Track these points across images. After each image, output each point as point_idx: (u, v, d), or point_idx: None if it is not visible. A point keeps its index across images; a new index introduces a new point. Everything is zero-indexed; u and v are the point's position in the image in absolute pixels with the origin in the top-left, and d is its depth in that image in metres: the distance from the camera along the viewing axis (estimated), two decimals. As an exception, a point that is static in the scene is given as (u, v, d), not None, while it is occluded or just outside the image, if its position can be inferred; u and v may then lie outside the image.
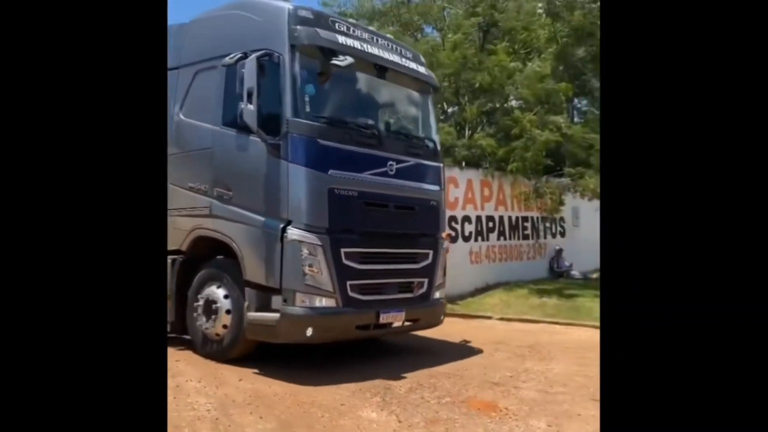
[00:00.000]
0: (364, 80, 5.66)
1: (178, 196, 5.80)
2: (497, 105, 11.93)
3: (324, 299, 4.94)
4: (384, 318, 5.28)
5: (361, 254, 5.19)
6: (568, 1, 12.10)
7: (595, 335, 7.31)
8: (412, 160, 5.78)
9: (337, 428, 3.77)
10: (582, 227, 13.88)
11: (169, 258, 5.77)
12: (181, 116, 5.90)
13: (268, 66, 5.03)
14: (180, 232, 5.76)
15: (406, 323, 5.61)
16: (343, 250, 5.04)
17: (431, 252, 5.88)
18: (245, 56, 5.12)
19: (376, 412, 4.09)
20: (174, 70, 6.00)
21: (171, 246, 5.83)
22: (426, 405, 4.26)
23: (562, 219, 13.54)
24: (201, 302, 5.45)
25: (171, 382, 4.33)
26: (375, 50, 5.59)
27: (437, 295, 6.00)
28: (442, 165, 6.33)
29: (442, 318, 6.13)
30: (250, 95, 4.94)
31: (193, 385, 4.54)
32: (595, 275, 12.74)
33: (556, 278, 12.58)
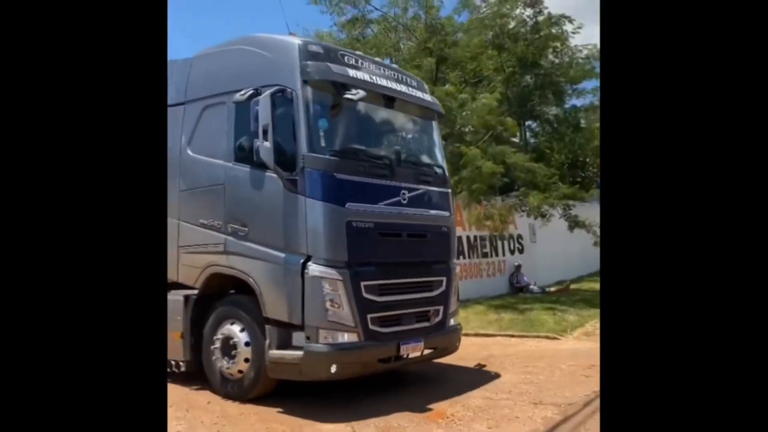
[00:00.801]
0: (373, 111, 5.70)
1: (188, 232, 5.76)
2: (450, 131, 12.50)
3: (347, 334, 4.92)
4: (404, 349, 5.28)
5: (379, 286, 5.18)
6: (512, 33, 13.30)
7: (544, 346, 8.10)
8: (423, 188, 5.82)
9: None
10: (539, 243, 14.63)
11: (182, 296, 5.71)
12: (189, 152, 5.86)
13: (281, 102, 5.04)
14: (193, 269, 5.71)
15: (425, 352, 5.60)
16: (362, 284, 5.04)
17: (445, 279, 5.90)
18: (257, 92, 5.12)
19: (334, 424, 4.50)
20: (179, 105, 5.99)
21: (183, 282, 5.79)
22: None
23: (519, 236, 14.55)
24: (218, 341, 5.39)
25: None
26: (383, 81, 5.64)
27: (452, 321, 6.01)
28: (450, 191, 6.38)
29: (458, 344, 6.14)
30: (265, 132, 4.94)
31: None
32: (554, 288, 13.68)
33: (516, 293, 13.26)
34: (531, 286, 13.55)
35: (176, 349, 5.70)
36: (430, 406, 4.97)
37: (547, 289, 13.46)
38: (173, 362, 5.75)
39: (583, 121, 16.17)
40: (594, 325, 9.10)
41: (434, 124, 6.45)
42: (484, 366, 6.66)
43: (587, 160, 17.21)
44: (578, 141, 15.93)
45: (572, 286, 14.01)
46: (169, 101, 6.16)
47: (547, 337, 8.68)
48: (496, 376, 6.17)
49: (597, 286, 13.63)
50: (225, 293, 5.65)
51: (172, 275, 5.89)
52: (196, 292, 5.69)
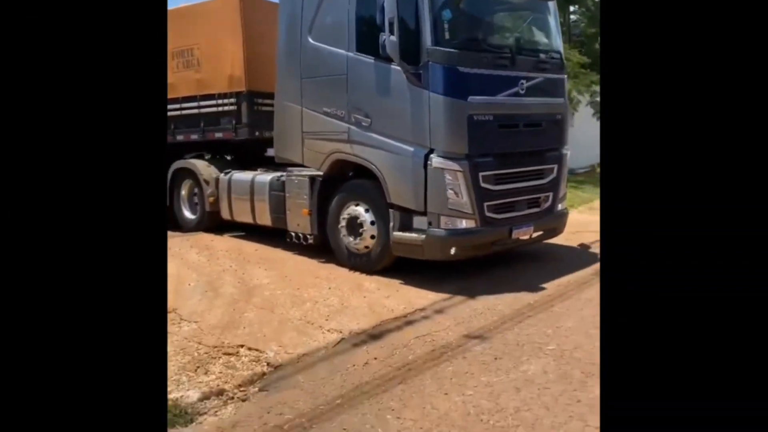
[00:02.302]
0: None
1: (312, 119, 6.13)
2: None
3: (464, 221, 5.32)
4: (516, 234, 5.65)
5: (496, 176, 5.46)
6: None
7: (588, 217, 8.44)
8: (541, 76, 5.79)
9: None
10: (576, 127, 14.48)
11: (308, 176, 6.25)
12: (310, 39, 6.03)
13: (405, -7, 5.03)
14: (317, 154, 6.16)
15: (535, 235, 5.96)
16: (480, 174, 5.32)
17: (556, 166, 6.07)
18: None
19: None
20: (298, -10, 6.06)
21: (308, 165, 6.29)
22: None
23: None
24: (344, 220, 5.95)
25: (206, 252, 6.61)
26: None
27: (560, 206, 6.27)
28: (566, 76, 6.29)
29: (564, 227, 6.45)
30: (391, 25, 5.01)
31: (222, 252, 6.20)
32: (582, 170, 14.58)
33: None
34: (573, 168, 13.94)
35: (304, 225, 6.37)
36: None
37: (577, 171, 13.84)
38: (301, 235, 6.46)
39: None
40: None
41: (551, 5, 6.20)
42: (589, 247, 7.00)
43: None
44: None
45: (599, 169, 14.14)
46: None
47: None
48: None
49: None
50: (348, 176, 6.11)
51: (296, 158, 6.42)
52: (321, 173, 6.19)
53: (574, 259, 6.44)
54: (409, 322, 4.63)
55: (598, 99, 12.68)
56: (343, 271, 5.98)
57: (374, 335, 4.37)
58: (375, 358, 3.96)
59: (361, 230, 5.81)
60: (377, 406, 3.31)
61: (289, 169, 6.53)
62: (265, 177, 6.96)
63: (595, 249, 6.80)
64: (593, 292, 5.08)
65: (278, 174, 6.74)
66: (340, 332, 4.38)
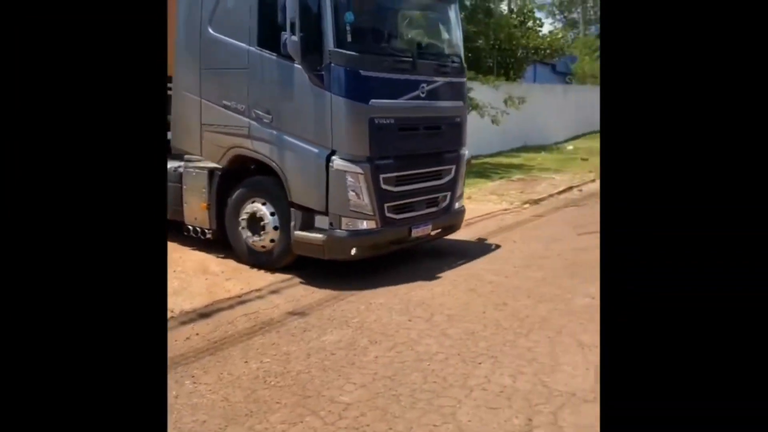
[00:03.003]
0: (398, 3, 5.62)
1: (211, 112, 5.94)
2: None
3: (365, 222, 5.42)
4: (415, 233, 5.84)
5: (396, 178, 5.59)
6: None
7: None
8: (441, 80, 5.96)
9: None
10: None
11: (207, 169, 6.07)
12: (210, 30, 5.82)
13: (308, -7, 4.96)
14: (217, 148, 5.99)
15: (433, 233, 6.19)
16: (381, 176, 5.43)
17: (454, 167, 6.30)
18: None
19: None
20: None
21: (207, 158, 6.11)
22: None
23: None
24: (245, 216, 5.86)
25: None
26: None
27: (457, 205, 6.54)
28: (465, 79, 6.51)
29: (461, 224, 6.74)
30: (293, 25, 4.95)
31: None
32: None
33: None
34: None
35: (203, 218, 6.21)
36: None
37: None
38: (199, 229, 6.30)
39: (492, 6, 16.46)
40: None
41: (453, 8, 6.36)
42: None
43: (503, 45, 17.60)
44: (492, 25, 16.29)
45: (488, 161, 14.50)
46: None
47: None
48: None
49: (503, 160, 14.82)
50: (249, 171, 6.00)
51: (195, 150, 6.21)
52: (219, 166, 6.03)
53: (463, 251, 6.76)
54: (243, 302, 5.00)
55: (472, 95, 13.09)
56: (195, 255, 6.17)
57: (204, 314, 4.72)
58: (197, 334, 4.29)
59: (262, 227, 5.76)
60: (181, 373, 3.66)
61: (187, 159, 6.31)
62: None
63: (491, 241, 7.21)
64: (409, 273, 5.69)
65: (176, 164, 6.49)
66: (171, 311, 4.58)
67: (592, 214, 8.27)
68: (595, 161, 13.99)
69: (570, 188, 11.35)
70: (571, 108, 20.65)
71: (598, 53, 31.30)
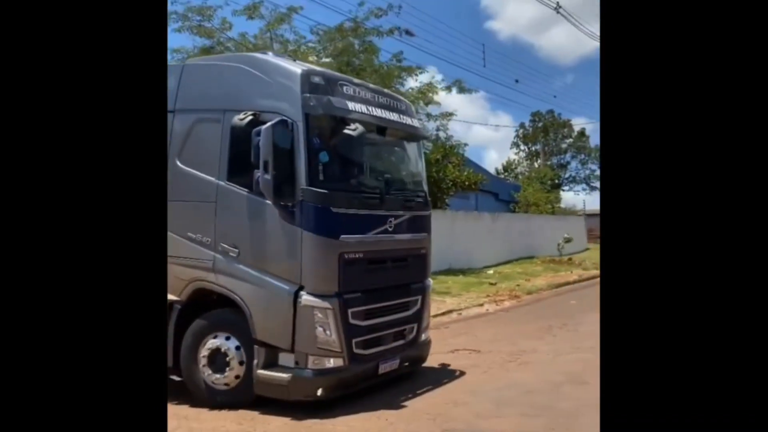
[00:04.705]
0: (367, 140, 5.85)
1: (174, 243, 5.77)
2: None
3: (333, 359, 5.24)
4: (382, 369, 5.68)
5: (365, 312, 5.51)
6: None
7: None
8: (408, 213, 6.09)
9: None
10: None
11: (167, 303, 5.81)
12: (178, 163, 5.84)
13: (282, 133, 5.10)
14: (177, 280, 5.77)
15: (399, 366, 6.02)
16: (350, 311, 5.34)
17: (420, 297, 6.29)
18: (256, 118, 5.17)
19: None
20: (168, 112, 5.90)
21: (168, 292, 5.87)
22: None
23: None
24: (206, 353, 5.55)
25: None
26: (378, 111, 5.77)
27: (423, 336, 6.45)
28: (430, 212, 6.68)
29: (427, 356, 6.60)
30: (266, 164, 5.02)
31: None
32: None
33: None
34: None
35: (157, 354, 5.85)
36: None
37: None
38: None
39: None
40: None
41: (418, 146, 6.67)
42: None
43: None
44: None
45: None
46: (157, 107, 6.08)
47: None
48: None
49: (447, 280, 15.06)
50: (209, 306, 5.77)
51: (154, 281, 5.97)
52: (178, 300, 5.79)
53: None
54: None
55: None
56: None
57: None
58: None
59: (226, 363, 5.45)
60: None
61: None
62: None
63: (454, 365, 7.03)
64: None
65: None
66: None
67: (451, 335, 8.91)
68: (502, 285, 14.93)
69: (449, 311, 11.43)
70: (502, 234, 21.75)
71: (539, 183, 33.35)
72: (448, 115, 18.21)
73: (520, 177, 24.47)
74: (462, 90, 18.43)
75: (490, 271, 18.46)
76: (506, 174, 42.78)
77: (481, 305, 12.06)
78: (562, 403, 5.55)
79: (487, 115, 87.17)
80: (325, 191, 5.21)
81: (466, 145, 21.38)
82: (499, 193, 30.58)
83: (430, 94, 16.76)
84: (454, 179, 20.40)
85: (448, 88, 17.88)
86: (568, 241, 23.11)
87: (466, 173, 21.27)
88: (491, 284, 15.24)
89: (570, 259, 22.24)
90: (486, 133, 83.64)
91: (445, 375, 6.66)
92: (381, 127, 5.82)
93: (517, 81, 50.34)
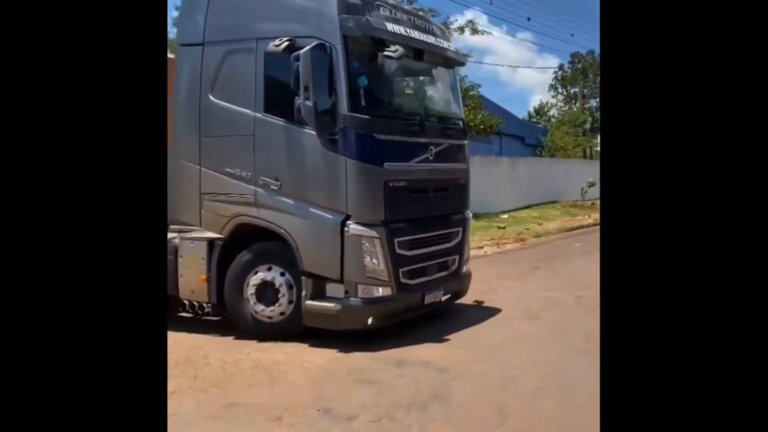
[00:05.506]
0: (406, 65, 5.66)
1: (212, 180, 5.70)
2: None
3: (381, 288, 5.20)
4: (428, 299, 5.64)
5: (410, 241, 5.43)
6: None
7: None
8: (447, 142, 5.94)
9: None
10: None
11: (206, 240, 5.76)
12: (211, 97, 5.67)
13: (320, 58, 4.91)
14: (218, 217, 5.71)
15: (444, 298, 5.99)
16: (396, 240, 5.26)
17: (461, 229, 6.20)
18: (292, 44, 4.97)
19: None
20: (197, 46, 5.71)
21: (206, 229, 5.82)
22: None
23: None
24: (253, 287, 5.51)
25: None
26: (415, 33, 5.56)
27: (465, 268, 6.39)
28: (467, 141, 6.52)
29: (467, 289, 6.56)
30: (307, 89, 4.85)
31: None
32: None
33: None
34: None
35: (201, 292, 5.82)
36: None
37: None
38: (196, 304, 5.90)
39: None
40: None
41: (454, 72, 6.46)
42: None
43: None
44: None
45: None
46: (186, 40, 5.89)
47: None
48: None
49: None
50: (251, 241, 5.71)
51: (193, 220, 5.91)
52: (220, 236, 5.73)
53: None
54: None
55: None
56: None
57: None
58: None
59: (277, 296, 5.42)
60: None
61: (181, 230, 5.99)
62: None
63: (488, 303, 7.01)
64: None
65: (169, 236, 6.15)
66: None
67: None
68: (512, 229, 14.68)
69: None
70: (523, 179, 21.18)
71: (572, 127, 32.42)
72: (465, 56, 17.73)
73: (552, 120, 23.65)
74: (475, 31, 17.92)
75: (504, 216, 18.26)
76: (538, 118, 41.63)
77: (481, 248, 11.76)
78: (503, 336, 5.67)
79: (534, 57, 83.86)
80: (367, 117, 5.06)
81: (479, 86, 20.60)
82: (525, 137, 29.91)
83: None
84: (469, 122, 19.98)
85: (461, 29, 17.34)
86: (591, 185, 22.52)
87: (480, 116, 20.75)
88: (500, 227, 14.95)
89: (593, 203, 21.91)
90: (533, 76, 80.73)
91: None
92: (419, 51, 5.60)
93: (528, 19, 48.30)
